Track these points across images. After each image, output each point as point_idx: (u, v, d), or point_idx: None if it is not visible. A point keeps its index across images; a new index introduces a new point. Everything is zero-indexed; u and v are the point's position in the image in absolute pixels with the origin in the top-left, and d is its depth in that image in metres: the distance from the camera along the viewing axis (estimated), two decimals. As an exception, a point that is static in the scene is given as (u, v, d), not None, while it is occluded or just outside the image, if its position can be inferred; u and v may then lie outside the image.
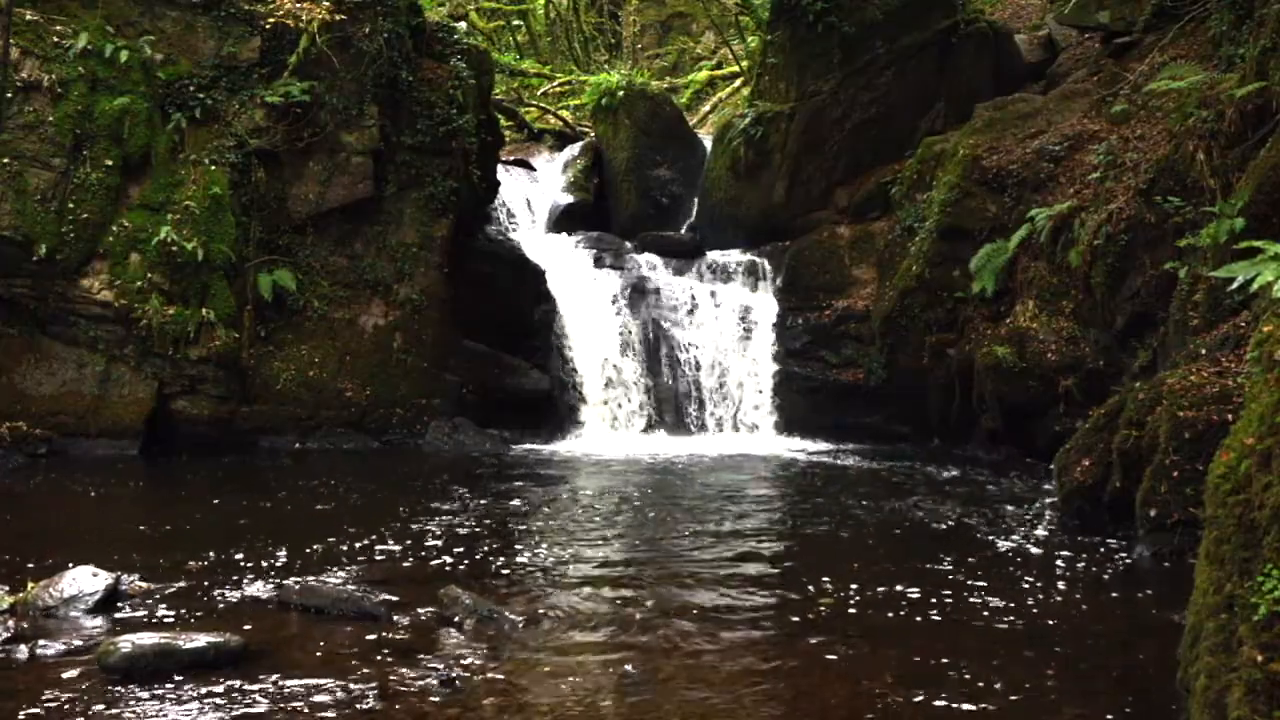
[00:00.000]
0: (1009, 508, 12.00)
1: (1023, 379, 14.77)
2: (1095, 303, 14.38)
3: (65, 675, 6.64)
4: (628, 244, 20.12)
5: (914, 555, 9.98)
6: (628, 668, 6.82)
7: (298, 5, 16.24)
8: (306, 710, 6.18)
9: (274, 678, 6.61)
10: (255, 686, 6.47)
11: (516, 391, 17.76)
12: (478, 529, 10.87)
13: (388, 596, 8.26)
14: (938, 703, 6.37)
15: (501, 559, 9.76)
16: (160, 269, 15.19)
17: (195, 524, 11.05)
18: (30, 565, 8.71)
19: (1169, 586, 8.64)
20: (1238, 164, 12.37)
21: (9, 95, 14.52)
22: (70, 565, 8.23)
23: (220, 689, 6.42)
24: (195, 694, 6.35)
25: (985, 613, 8.18)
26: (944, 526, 11.17)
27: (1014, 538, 10.59)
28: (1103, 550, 9.99)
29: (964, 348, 15.93)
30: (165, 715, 6.08)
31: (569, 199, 21.96)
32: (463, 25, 20.94)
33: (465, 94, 17.85)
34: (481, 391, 17.40)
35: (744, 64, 28.13)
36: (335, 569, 9.18)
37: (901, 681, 6.71)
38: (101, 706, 6.17)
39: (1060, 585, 8.96)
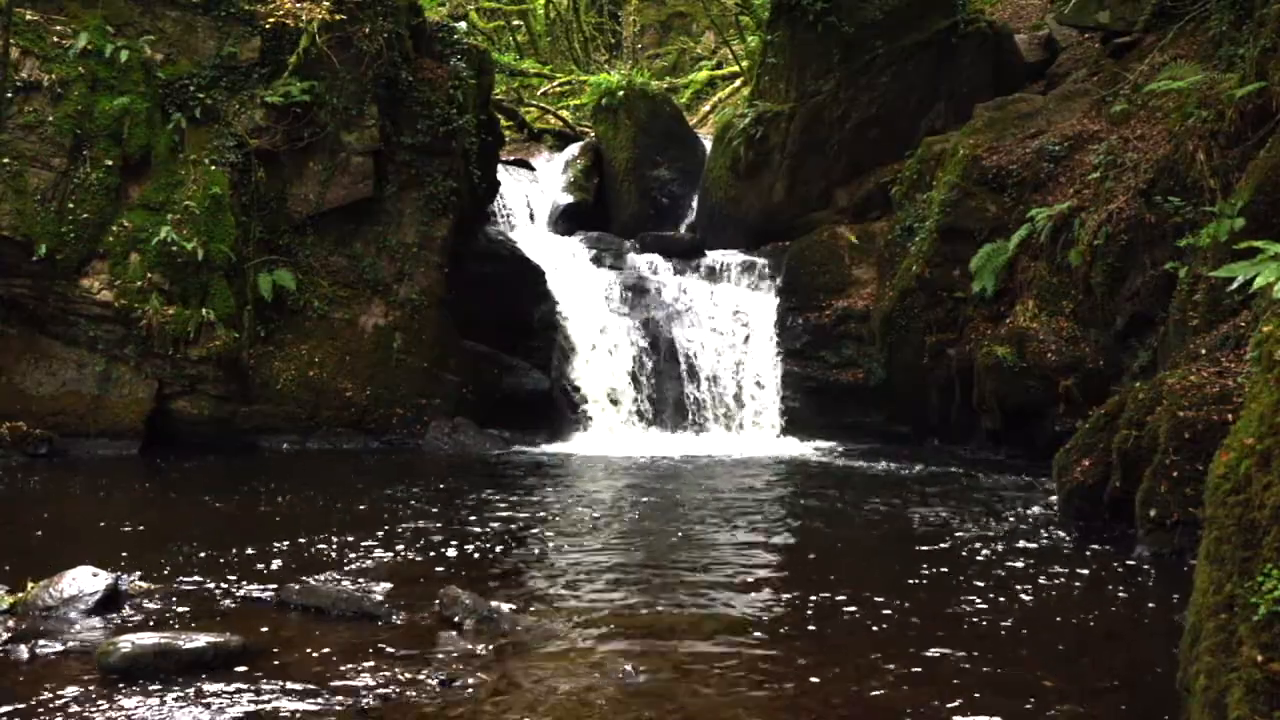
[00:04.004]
0: (1009, 508, 12.00)
1: (1023, 379, 14.76)
2: (1095, 303, 14.38)
3: (65, 675, 6.64)
4: (628, 244, 20.10)
5: (914, 555, 9.98)
6: (628, 668, 6.82)
7: (298, 5, 16.24)
8: (306, 710, 6.17)
9: (274, 678, 6.61)
10: (255, 686, 6.47)
11: (516, 391, 17.77)
12: (478, 529, 10.86)
13: (388, 596, 8.26)
14: (938, 702, 6.37)
15: (501, 559, 9.76)
16: (160, 269, 15.19)
17: (195, 524, 11.05)
18: (30, 565, 8.70)
19: (1169, 586, 8.65)
20: (1238, 164, 12.38)
21: (9, 95, 14.53)
22: (70, 565, 8.23)
23: (220, 689, 6.42)
24: (195, 694, 6.35)
25: (985, 612, 8.18)
26: (944, 526, 11.17)
27: (1014, 538, 10.59)
28: (1103, 550, 9.98)
29: (964, 348, 15.92)
30: (165, 715, 6.08)
31: (569, 199, 21.96)
32: (463, 25, 20.91)
33: (465, 94, 17.84)
34: (481, 391, 17.39)
35: (744, 64, 28.14)
36: (335, 569, 9.18)
37: (902, 680, 6.71)
38: (101, 706, 6.17)
39: (1060, 585, 8.96)
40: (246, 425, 16.04)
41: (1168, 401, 9.50)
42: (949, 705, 6.33)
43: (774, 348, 18.29)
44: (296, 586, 8.32)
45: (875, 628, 7.83)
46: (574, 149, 23.31)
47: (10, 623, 7.53)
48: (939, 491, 13.10)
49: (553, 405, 17.89)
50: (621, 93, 22.17)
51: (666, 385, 18.22)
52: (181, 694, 6.35)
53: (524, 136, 26.95)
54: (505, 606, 7.98)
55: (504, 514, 11.67)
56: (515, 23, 34.87)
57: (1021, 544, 10.34)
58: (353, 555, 9.69)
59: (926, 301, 16.49)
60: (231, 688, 6.44)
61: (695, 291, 18.95)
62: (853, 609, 8.25)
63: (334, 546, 9.97)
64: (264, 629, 7.54)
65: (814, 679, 6.78)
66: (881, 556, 10.10)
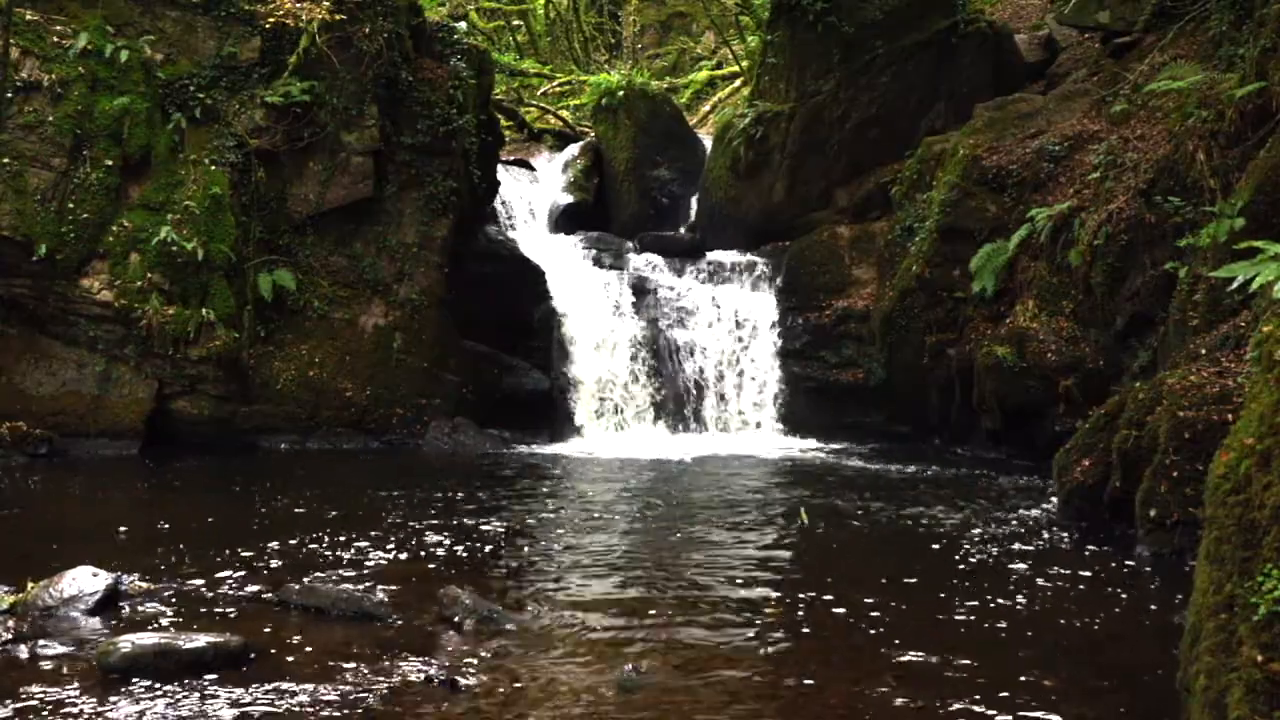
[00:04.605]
0: (1009, 508, 12.00)
1: (1023, 379, 14.76)
2: (1095, 303, 14.38)
3: (65, 675, 6.64)
4: (628, 244, 20.10)
5: (913, 555, 9.98)
6: (628, 668, 6.82)
7: (298, 5, 16.23)
8: (306, 710, 6.18)
9: (274, 678, 6.61)
10: (255, 686, 6.47)
11: (516, 391, 17.76)
12: (478, 529, 10.86)
13: (388, 596, 8.26)
14: (937, 703, 6.37)
15: (501, 559, 9.76)
16: (160, 269, 15.18)
17: (195, 524, 11.04)
18: (30, 565, 8.70)
19: (1169, 586, 8.66)
20: (1238, 164, 12.38)
21: (9, 95, 14.52)
22: (70, 565, 8.23)
23: (220, 689, 6.42)
24: (195, 694, 6.35)
25: (985, 612, 8.18)
26: (943, 527, 11.17)
27: (1014, 538, 10.59)
28: (1103, 550, 9.99)
29: (964, 348, 15.92)
30: (165, 715, 6.08)
31: (569, 199, 21.95)
32: (463, 25, 20.89)
33: (465, 94, 17.84)
34: (481, 391, 17.39)
35: (744, 64, 28.13)
36: (335, 569, 9.18)
37: (901, 681, 6.71)
38: (101, 706, 6.17)
39: (1060, 585, 8.96)
40: (246, 425, 16.04)
41: (1168, 401, 9.51)
42: (949, 706, 6.33)
43: (774, 348, 18.29)
44: (296, 586, 8.32)
45: (874, 628, 7.83)
46: (574, 149, 23.30)
47: (10, 623, 7.53)
48: (939, 492, 13.10)
49: (553, 405, 17.89)
50: (621, 93, 22.17)
51: (666, 385, 18.22)
52: (181, 694, 6.35)
53: (524, 136, 26.94)
54: (505, 607, 7.98)
55: (504, 514, 11.67)
56: (515, 23, 34.87)
57: (1021, 544, 10.34)
58: (353, 555, 9.69)
59: (926, 301, 16.49)
60: (231, 688, 6.44)
61: (695, 292, 18.95)
62: (852, 609, 8.25)
63: (334, 546, 9.97)
64: (264, 629, 7.55)
65: (812, 679, 6.79)
66: (881, 557, 10.10)
